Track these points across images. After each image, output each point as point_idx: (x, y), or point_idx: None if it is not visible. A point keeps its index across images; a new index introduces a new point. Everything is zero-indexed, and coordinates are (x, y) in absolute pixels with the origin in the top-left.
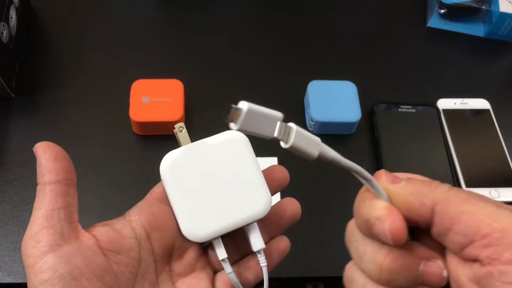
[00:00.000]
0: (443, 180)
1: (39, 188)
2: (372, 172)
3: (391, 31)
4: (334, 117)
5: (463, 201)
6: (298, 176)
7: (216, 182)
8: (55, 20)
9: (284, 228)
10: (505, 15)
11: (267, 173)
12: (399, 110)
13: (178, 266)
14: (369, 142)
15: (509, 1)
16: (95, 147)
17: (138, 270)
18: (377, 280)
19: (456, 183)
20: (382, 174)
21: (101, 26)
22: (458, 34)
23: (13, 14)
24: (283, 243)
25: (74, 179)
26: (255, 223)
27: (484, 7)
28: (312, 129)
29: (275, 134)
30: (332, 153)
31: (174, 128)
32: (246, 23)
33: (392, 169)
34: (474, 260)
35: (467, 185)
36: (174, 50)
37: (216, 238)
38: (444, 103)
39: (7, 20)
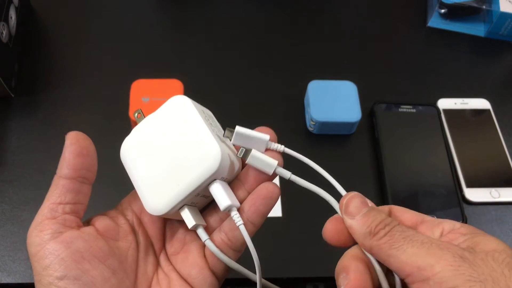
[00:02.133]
0: (443, 180)
1: (54, 179)
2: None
3: (391, 31)
4: (334, 117)
5: (390, 247)
6: (298, 176)
7: (167, 152)
8: (55, 20)
9: (267, 180)
10: (505, 15)
11: (257, 192)
12: (399, 110)
13: (171, 245)
14: (369, 142)
15: (510, 1)
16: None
17: (139, 253)
18: None
19: (457, 183)
20: (344, 203)
21: (101, 26)
22: (459, 34)
23: (12, 14)
24: (267, 188)
25: (92, 178)
26: (218, 182)
27: (484, 7)
28: (312, 129)
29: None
30: (288, 174)
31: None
32: (246, 23)
33: (392, 169)
34: None
35: (468, 185)
36: (174, 50)
37: (181, 208)
38: (444, 103)
39: (6, 20)
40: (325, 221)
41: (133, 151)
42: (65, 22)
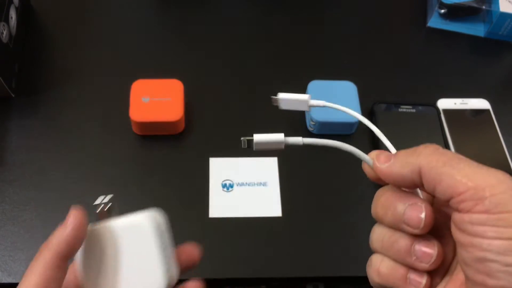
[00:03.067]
0: None
1: (42, 248)
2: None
3: (391, 31)
4: (334, 117)
5: (443, 164)
6: (298, 177)
7: (116, 272)
8: (55, 20)
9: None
10: (505, 15)
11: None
12: (399, 110)
13: None
14: (369, 142)
15: (509, 1)
16: (95, 147)
17: None
18: (376, 217)
19: None
20: (374, 158)
21: (101, 26)
22: (458, 34)
23: (13, 14)
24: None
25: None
26: None
27: (484, 7)
28: (312, 129)
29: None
30: (300, 140)
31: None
32: (246, 23)
33: None
34: (456, 210)
35: None
36: (174, 50)
37: None
38: (444, 103)
39: (7, 20)
40: (325, 221)
41: (86, 259)
42: (65, 22)
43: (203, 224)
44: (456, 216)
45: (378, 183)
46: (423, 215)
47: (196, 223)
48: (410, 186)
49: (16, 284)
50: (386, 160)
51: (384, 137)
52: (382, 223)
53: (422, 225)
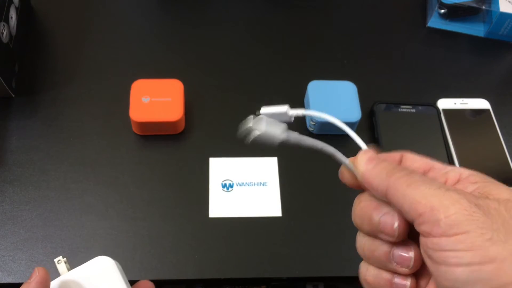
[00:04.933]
0: None
1: None
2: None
3: (391, 31)
4: (334, 117)
5: (407, 186)
6: (298, 177)
7: None
8: (55, 20)
9: None
10: (505, 15)
11: None
12: (399, 110)
13: None
14: (369, 142)
15: (509, 1)
16: (95, 147)
17: None
18: (356, 226)
19: None
20: (361, 153)
21: (101, 26)
22: (458, 34)
23: (13, 14)
24: None
25: None
26: None
27: (484, 7)
28: (312, 129)
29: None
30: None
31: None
32: (246, 23)
33: None
34: (421, 233)
35: None
36: (174, 50)
37: None
38: (444, 103)
39: (7, 20)
40: (325, 221)
41: None
42: (65, 22)
43: (203, 224)
44: (422, 241)
45: (355, 189)
46: (396, 225)
47: (196, 223)
48: (377, 195)
49: (16, 284)
50: (369, 162)
51: (360, 140)
52: (361, 231)
53: (396, 233)
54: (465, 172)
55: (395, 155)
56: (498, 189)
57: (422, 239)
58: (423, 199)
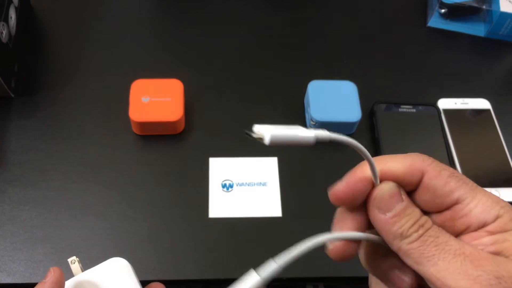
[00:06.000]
0: None
1: None
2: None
3: (391, 31)
4: (334, 117)
5: (420, 255)
6: (298, 177)
7: None
8: (54, 20)
9: None
10: (505, 15)
11: None
12: (399, 110)
13: None
14: (369, 142)
15: (510, 1)
16: (95, 147)
17: None
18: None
19: None
20: (378, 192)
21: (101, 26)
22: (459, 34)
23: (12, 14)
24: None
25: None
26: None
27: (484, 7)
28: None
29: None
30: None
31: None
32: (246, 23)
33: None
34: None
35: None
36: (174, 50)
37: None
38: (444, 103)
39: (6, 20)
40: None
41: None
42: (65, 22)
43: (203, 224)
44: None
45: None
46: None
47: (196, 223)
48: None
49: (16, 284)
50: (385, 209)
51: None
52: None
53: None
54: (490, 216)
55: (412, 175)
56: None
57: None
58: (438, 274)
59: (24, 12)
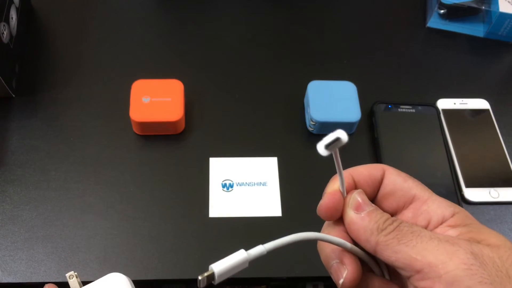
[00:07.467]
0: (443, 180)
1: None
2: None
3: (391, 31)
4: (334, 117)
5: (398, 241)
6: (298, 177)
7: None
8: (55, 20)
9: None
10: (504, 15)
11: None
12: (399, 110)
13: None
14: (369, 142)
15: (509, 1)
16: (95, 147)
17: None
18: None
19: (456, 183)
20: (351, 197)
21: (101, 26)
22: (458, 34)
23: (13, 14)
24: None
25: None
26: None
27: (483, 7)
28: (312, 129)
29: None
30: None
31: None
32: (246, 23)
33: None
34: None
35: (467, 185)
36: (174, 50)
37: None
38: (444, 103)
39: (7, 20)
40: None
41: None
42: (65, 22)
43: (203, 224)
44: None
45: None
46: (341, 282)
47: (196, 223)
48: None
49: (17, 283)
50: (358, 209)
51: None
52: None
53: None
54: (447, 212)
55: (376, 172)
56: (485, 234)
57: None
58: (418, 255)
59: (25, 12)
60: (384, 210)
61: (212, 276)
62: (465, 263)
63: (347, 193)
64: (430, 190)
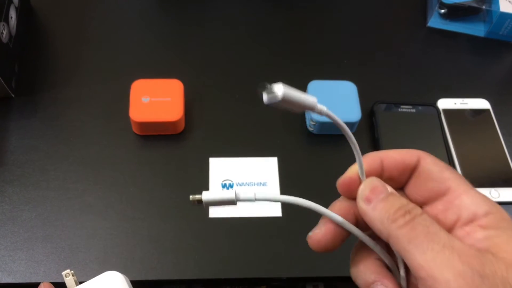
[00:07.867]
0: None
1: None
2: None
3: (391, 31)
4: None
5: (408, 242)
6: (298, 177)
7: None
8: (55, 20)
9: None
10: (505, 15)
11: None
12: (399, 110)
13: None
14: (369, 142)
15: (509, 1)
16: (95, 147)
17: None
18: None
19: None
20: (361, 188)
21: (101, 26)
22: (458, 34)
23: (13, 14)
24: None
25: None
26: None
27: (484, 7)
28: (312, 129)
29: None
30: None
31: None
32: (246, 23)
33: None
34: None
35: None
36: (174, 50)
37: None
38: (444, 103)
39: (7, 20)
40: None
41: None
42: (65, 22)
43: (203, 224)
44: None
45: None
46: None
47: (196, 223)
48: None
49: (16, 284)
50: (369, 199)
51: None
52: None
53: None
54: (481, 210)
55: (411, 158)
56: (508, 245)
57: None
58: (425, 263)
59: (25, 12)
60: (413, 200)
61: (200, 200)
62: (469, 285)
63: (367, 177)
64: (469, 184)
